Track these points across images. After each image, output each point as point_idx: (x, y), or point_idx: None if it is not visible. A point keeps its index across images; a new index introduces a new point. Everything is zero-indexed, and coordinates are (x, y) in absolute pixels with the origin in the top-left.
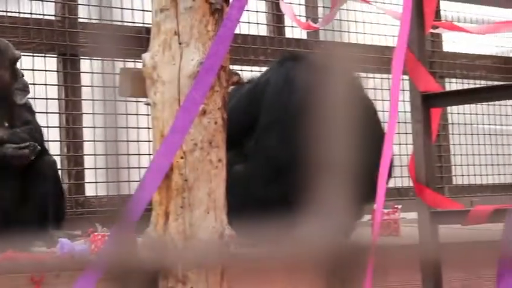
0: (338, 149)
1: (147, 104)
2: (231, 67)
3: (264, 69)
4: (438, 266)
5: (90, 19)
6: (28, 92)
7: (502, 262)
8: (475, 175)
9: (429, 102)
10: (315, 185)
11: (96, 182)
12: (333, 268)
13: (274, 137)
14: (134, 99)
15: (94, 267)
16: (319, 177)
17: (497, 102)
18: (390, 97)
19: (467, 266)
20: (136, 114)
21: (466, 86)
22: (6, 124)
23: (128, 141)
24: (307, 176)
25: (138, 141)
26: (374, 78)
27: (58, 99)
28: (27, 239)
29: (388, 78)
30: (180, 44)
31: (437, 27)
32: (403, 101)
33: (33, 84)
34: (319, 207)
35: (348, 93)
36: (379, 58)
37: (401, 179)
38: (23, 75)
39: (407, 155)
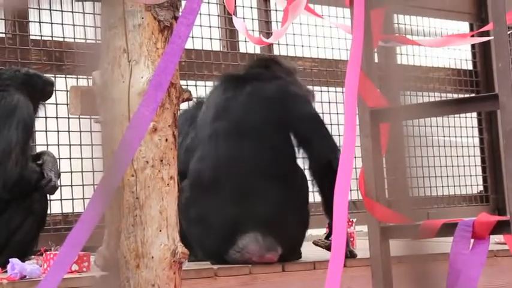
0: None
1: (98, 122)
2: (185, 82)
3: None
4: (389, 280)
5: (42, 36)
6: None
7: (457, 229)
8: (430, 187)
9: (378, 118)
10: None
11: (72, 199)
12: None
13: (196, 157)
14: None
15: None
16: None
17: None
18: (345, 112)
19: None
20: (90, 131)
21: (420, 99)
22: None
23: (81, 158)
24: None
25: (92, 158)
26: (328, 91)
27: None
28: None
29: (342, 92)
30: (129, 61)
31: (389, 41)
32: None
33: None
34: None
35: None
36: (332, 72)
37: (357, 192)
38: None
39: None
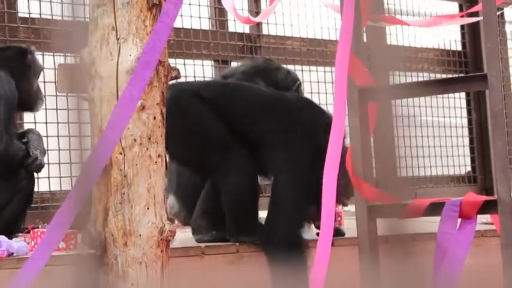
0: None
1: (85, 99)
2: (174, 61)
3: (206, 62)
4: (376, 259)
5: (30, 14)
6: (43, 102)
7: (445, 208)
8: (418, 167)
9: (366, 97)
10: None
11: (60, 177)
12: None
13: None
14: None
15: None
16: None
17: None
18: (335, 91)
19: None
20: (77, 109)
21: (408, 79)
22: None
23: (69, 136)
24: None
25: (79, 136)
26: (317, 71)
27: None
28: None
29: (331, 72)
30: (117, 39)
31: (378, 21)
32: None
33: None
34: None
35: None
36: (321, 51)
37: None
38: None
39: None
